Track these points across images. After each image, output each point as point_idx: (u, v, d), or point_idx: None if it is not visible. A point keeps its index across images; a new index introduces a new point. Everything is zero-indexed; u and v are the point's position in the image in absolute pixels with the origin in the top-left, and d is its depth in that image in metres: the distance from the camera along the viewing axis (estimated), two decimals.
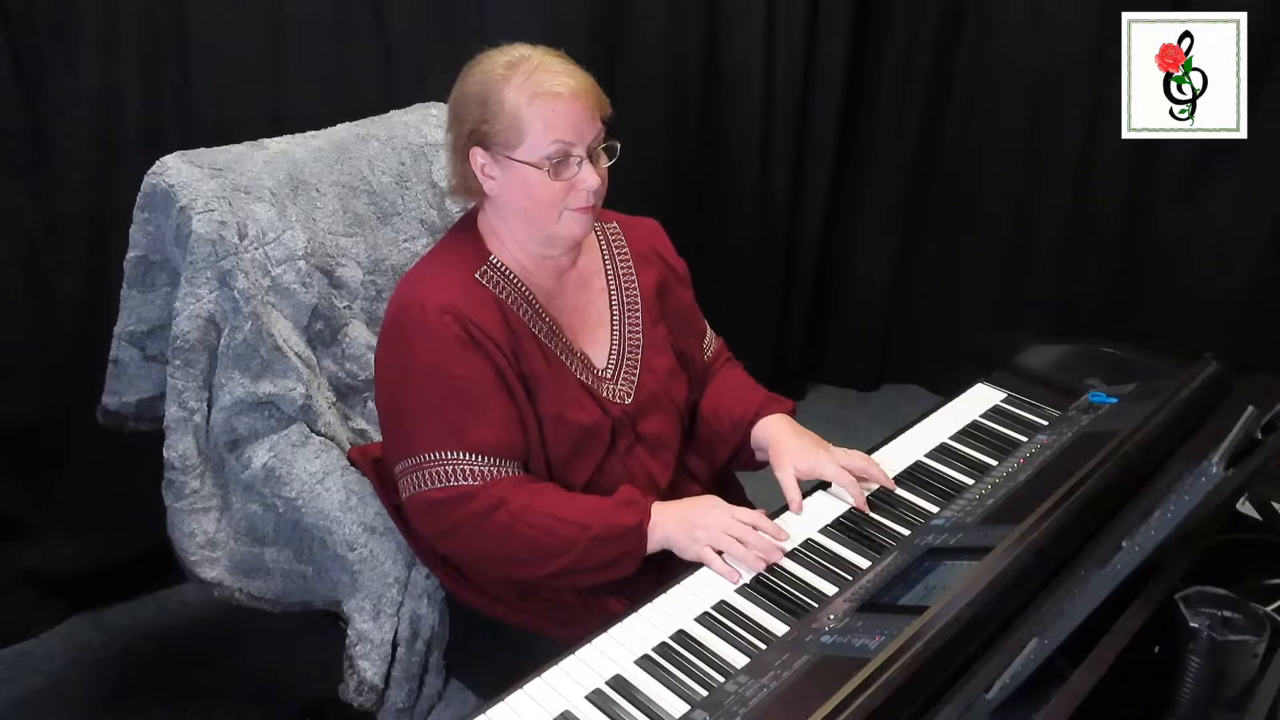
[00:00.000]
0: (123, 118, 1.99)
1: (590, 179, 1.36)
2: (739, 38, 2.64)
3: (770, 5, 2.63)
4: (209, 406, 1.59)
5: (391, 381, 1.42)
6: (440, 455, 1.35)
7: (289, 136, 1.73)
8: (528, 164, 1.34)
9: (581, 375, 1.45)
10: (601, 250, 1.54)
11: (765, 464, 1.54)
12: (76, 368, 2.04)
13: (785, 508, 1.45)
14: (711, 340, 1.67)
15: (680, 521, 1.36)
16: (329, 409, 1.66)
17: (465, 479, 1.35)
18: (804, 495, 1.45)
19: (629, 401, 1.48)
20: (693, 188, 2.77)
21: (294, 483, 1.55)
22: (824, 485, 1.48)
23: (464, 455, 1.35)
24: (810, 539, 1.38)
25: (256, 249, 1.57)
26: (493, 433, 1.36)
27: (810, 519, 1.42)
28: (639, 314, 1.53)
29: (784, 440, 1.50)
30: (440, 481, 1.35)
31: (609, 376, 1.49)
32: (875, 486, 1.46)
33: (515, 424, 1.38)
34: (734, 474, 1.67)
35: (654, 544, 1.37)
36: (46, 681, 2.10)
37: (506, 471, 1.37)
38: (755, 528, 1.34)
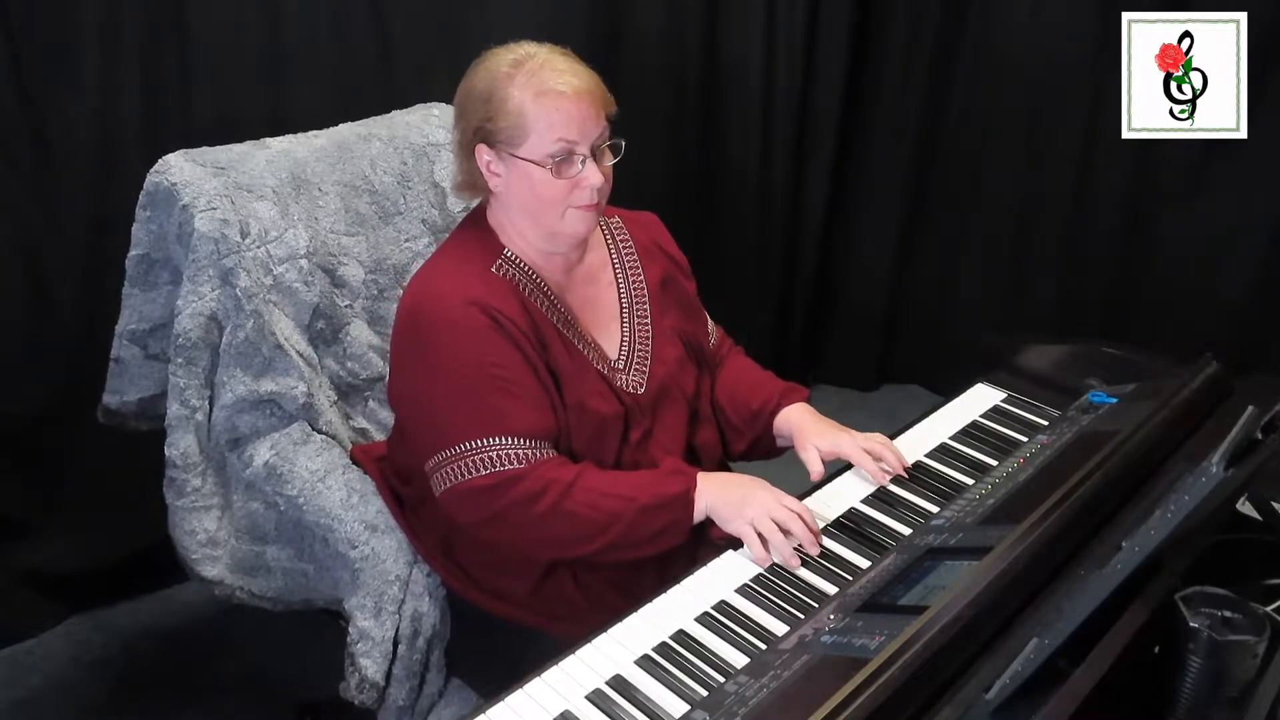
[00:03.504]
0: (123, 118, 1.99)
1: (593, 177, 1.36)
2: (739, 37, 2.65)
3: (770, 4, 2.63)
4: (210, 405, 1.59)
5: (414, 380, 1.42)
6: (482, 443, 1.35)
7: (291, 136, 1.73)
8: (531, 162, 1.35)
9: (599, 365, 1.46)
10: (607, 245, 1.56)
11: (786, 449, 1.60)
12: (76, 367, 2.04)
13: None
14: (714, 329, 1.70)
15: (726, 493, 1.37)
16: (330, 407, 1.66)
17: (510, 463, 1.35)
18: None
19: (641, 392, 1.49)
20: (693, 187, 2.77)
21: (295, 481, 1.55)
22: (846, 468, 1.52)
23: (506, 440, 1.35)
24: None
25: (259, 247, 1.57)
26: (531, 417, 1.37)
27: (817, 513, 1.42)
28: (646, 306, 1.54)
29: (807, 425, 1.55)
30: (485, 468, 1.35)
31: (621, 368, 1.50)
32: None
33: (548, 408, 1.39)
34: (730, 468, 1.68)
35: (699, 512, 1.38)
36: (46, 681, 2.10)
37: (546, 454, 1.38)
38: (800, 516, 1.34)
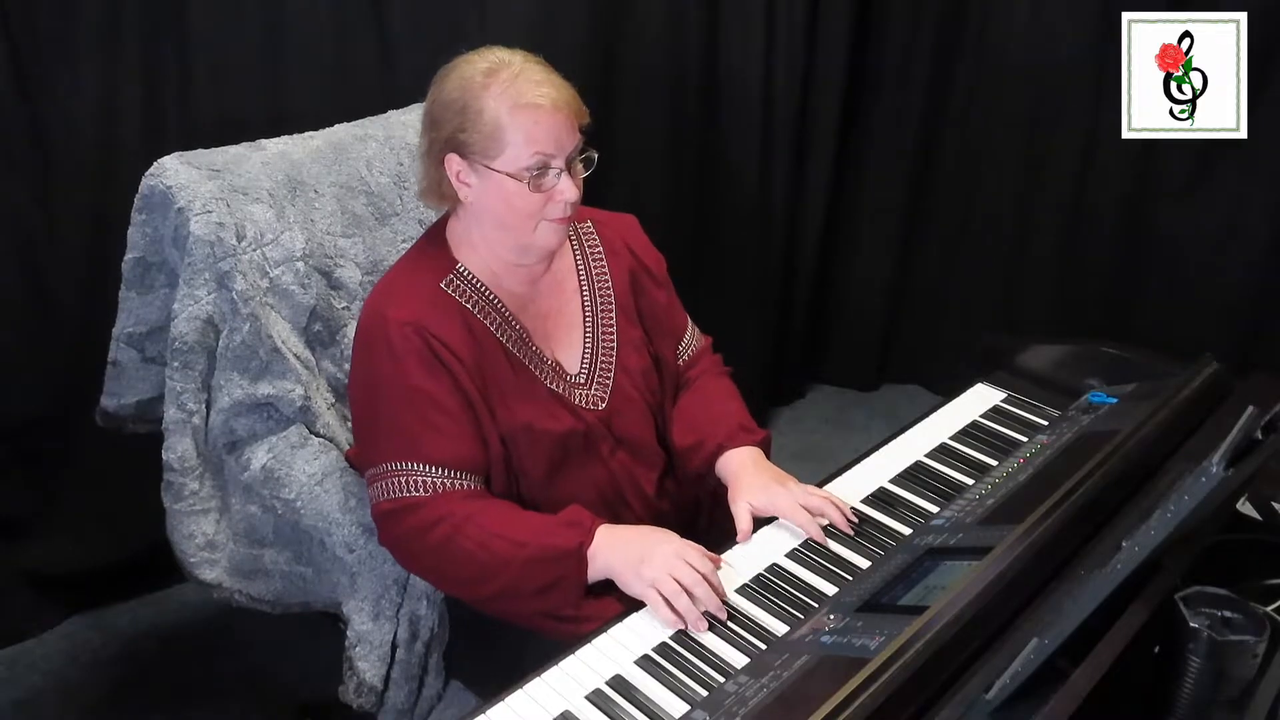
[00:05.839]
0: (123, 118, 1.98)
1: (569, 191, 1.35)
2: (739, 38, 2.64)
3: (770, 5, 2.63)
4: (208, 408, 1.59)
5: (358, 392, 1.43)
6: (395, 466, 1.35)
7: (287, 137, 1.72)
8: (507, 174, 1.33)
9: (552, 383, 1.44)
10: (574, 251, 1.53)
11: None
12: (76, 368, 2.04)
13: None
14: (693, 342, 1.64)
15: (626, 552, 1.29)
16: (328, 410, 1.66)
17: (415, 490, 1.34)
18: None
19: (602, 407, 1.47)
20: (692, 188, 2.77)
21: (293, 484, 1.55)
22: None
23: (416, 467, 1.34)
24: (810, 539, 1.38)
25: (255, 250, 1.57)
26: (448, 446, 1.35)
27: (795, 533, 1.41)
28: (613, 314, 1.52)
29: (743, 476, 1.45)
30: (393, 493, 1.35)
31: (582, 382, 1.48)
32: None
33: (474, 439, 1.37)
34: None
35: (595, 572, 1.30)
36: (46, 681, 2.10)
37: (460, 485, 1.35)
38: (705, 577, 1.25)
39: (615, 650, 1.21)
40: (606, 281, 1.53)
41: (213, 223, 1.52)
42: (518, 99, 1.31)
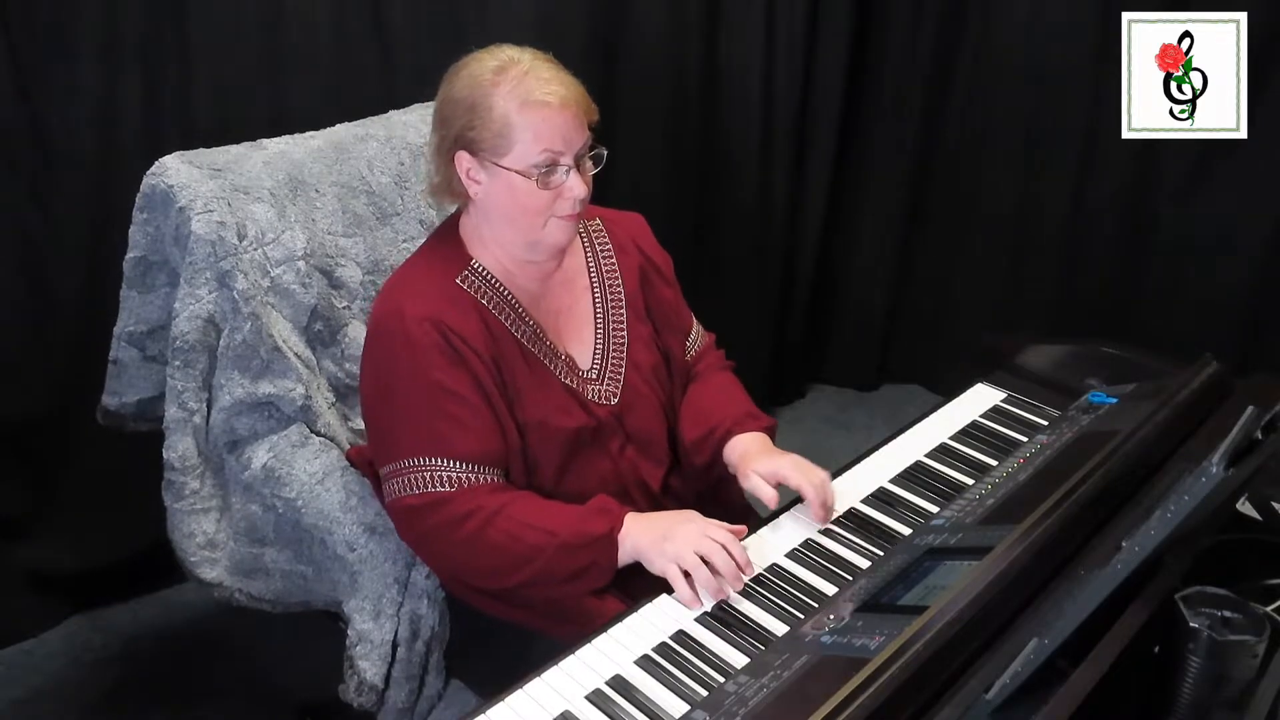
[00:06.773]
0: (123, 118, 1.98)
1: (578, 188, 1.35)
2: (739, 38, 2.65)
3: (770, 6, 2.63)
4: (208, 407, 1.59)
5: (374, 389, 1.43)
6: (419, 462, 1.35)
7: (288, 137, 1.72)
8: (515, 171, 1.34)
9: (566, 378, 1.45)
10: (584, 248, 1.54)
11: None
12: (76, 368, 2.04)
13: (774, 516, 1.44)
14: (698, 338, 1.65)
15: (651, 532, 1.33)
16: (328, 409, 1.66)
17: (442, 485, 1.35)
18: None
19: (614, 402, 1.48)
20: (692, 188, 2.77)
21: (294, 483, 1.55)
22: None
23: (442, 462, 1.35)
24: (810, 539, 1.38)
25: (256, 249, 1.57)
26: (472, 440, 1.36)
27: (800, 527, 1.41)
28: (623, 310, 1.53)
29: (751, 453, 1.48)
30: (418, 488, 1.35)
31: (594, 378, 1.48)
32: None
33: (495, 432, 1.38)
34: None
35: (625, 555, 1.34)
36: (46, 681, 2.10)
37: (485, 479, 1.36)
38: (727, 549, 1.29)
39: (615, 650, 1.21)
40: (616, 279, 1.54)
41: (214, 222, 1.53)
42: (526, 97, 1.31)
